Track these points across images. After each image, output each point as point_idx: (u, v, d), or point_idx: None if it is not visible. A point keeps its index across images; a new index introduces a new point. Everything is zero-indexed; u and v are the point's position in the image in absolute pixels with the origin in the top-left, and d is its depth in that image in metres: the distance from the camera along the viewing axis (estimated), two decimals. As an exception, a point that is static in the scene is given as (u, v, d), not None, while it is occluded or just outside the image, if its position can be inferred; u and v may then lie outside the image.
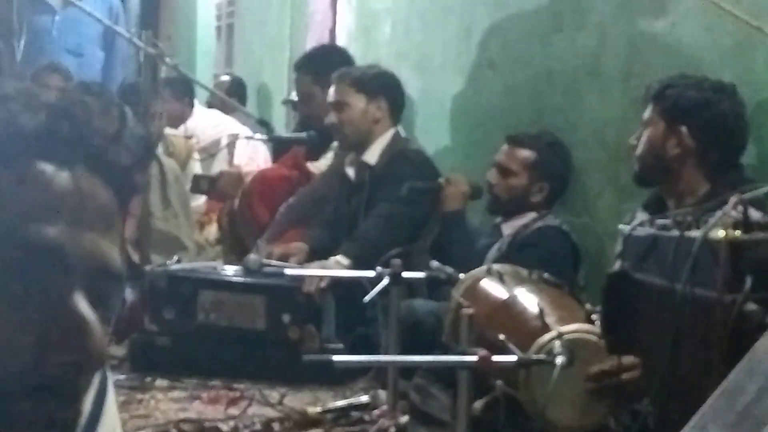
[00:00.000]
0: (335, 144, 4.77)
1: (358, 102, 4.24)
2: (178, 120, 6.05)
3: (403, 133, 4.37)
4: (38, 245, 0.84)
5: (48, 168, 0.86)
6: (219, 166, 5.82)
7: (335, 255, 3.95)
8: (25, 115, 0.86)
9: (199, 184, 5.12)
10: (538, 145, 3.81)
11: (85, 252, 0.87)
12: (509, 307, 2.75)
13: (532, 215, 3.74)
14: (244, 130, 6.00)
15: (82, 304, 0.86)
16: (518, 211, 3.79)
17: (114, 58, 7.07)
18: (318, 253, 4.13)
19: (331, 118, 4.28)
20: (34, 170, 0.85)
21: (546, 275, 2.86)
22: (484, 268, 3.07)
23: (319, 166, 4.87)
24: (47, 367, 0.84)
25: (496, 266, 3.05)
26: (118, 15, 6.54)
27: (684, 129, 2.92)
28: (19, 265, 0.84)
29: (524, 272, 2.96)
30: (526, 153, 3.81)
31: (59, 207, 0.86)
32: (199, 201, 5.47)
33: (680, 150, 2.93)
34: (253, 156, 5.53)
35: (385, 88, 4.29)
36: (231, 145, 5.82)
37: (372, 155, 4.20)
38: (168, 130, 5.70)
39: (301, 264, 4.04)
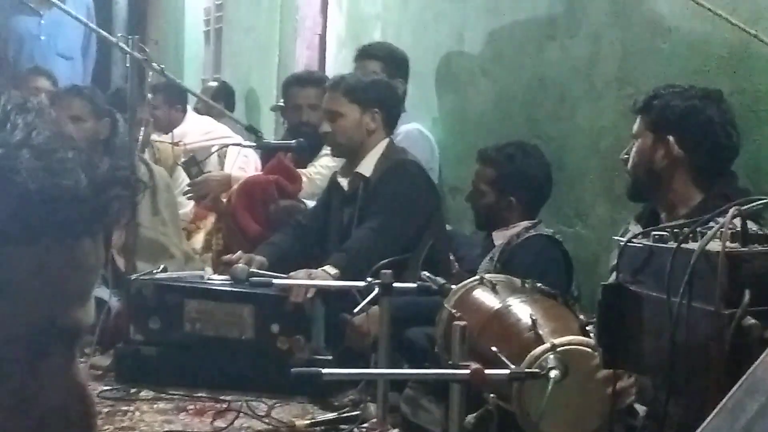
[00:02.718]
0: (324, 149, 4.74)
1: (351, 112, 4.16)
2: (169, 127, 6.01)
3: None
4: (68, 327, 0.79)
5: (88, 243, 0.80)
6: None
7: (320, 262, 3.91)
8: (68, 180, 0.77)
9: (190, 167, 5.07)
10: (498, 161, 3.75)
11: (88, 320, 0.81)
12: (502, 318, 2.70)
13: (524, 224, 3.70)
14: (236, 138, 5.96)
15: (82, 377, 0.82)
16: (500, 224, 3.75)
17: (88, 60, 7.04)
18: (282, 262, 4.08)
19: (325, 127, 4.21)
20: (81, 248, 0.79)
21: (540, 285, 2.82)
22: (476, 277, 3.03)
23: (308, 172, 4.83)
24: None
25: (488, 276, 3.01)
26: (93, 17, 6.51)
27: (671, 138, 2.89)
28: (37, 344, 0.78)
29: (517, 282, 2.92)
30: (488, 171, 3.77)
31: (92, 284, 0.81)
32: (187, 209, 5.42)
33: (669, 160, 2.90)
34: (243, 166, 5.48)
35: (380, 98, 4.22)
36: (221, 154, 5.78)
37: (366, 167, 4.14)
38: (154, 137, 5.65)
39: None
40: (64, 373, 0.80)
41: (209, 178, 5.10)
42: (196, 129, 6.22)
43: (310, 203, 4.59)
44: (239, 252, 4.14)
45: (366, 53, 4.94)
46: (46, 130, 0.78)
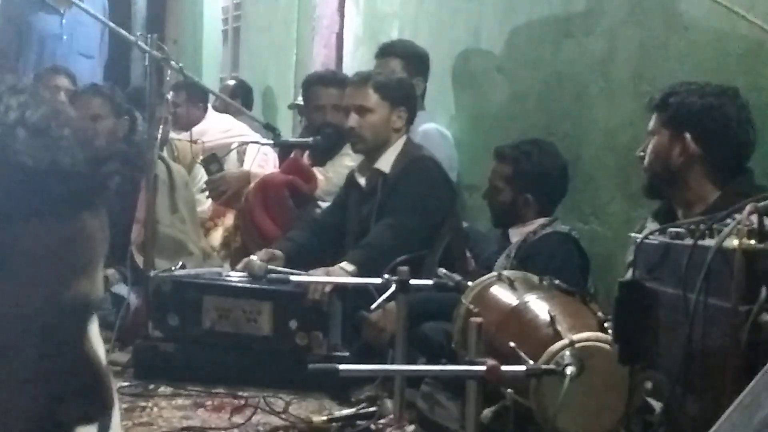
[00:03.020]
0: (344, 149, 4.74)
1: (381, 109, 4.18)
2: (189, 125, 6.03)
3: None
4: (75, 301, 0.80)
5: (88, 217, 0.80)
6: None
7: (337, 259, 3.92)
8: (66, 156, 0.78)
9: (210, 164, 5.10)
10: (515, 158, 3.76)
11: (97, 293, 0.83)
12: (520, 314, 2.71)
13: (540, 221, 3.71)
14: (254, 136, 5.98)
15: (95, 350, 0.83)
16: (517, 221, 3.76)
17: (101, 59, 7.06)
18: (298, 257, 4.10)
19: (351, 121, 4.21)
20: (81, 222, 0.80)
21: (557, 282, 2.83)
22: (494, 274, 3.04)
23: (325, 171, 4.84)
24: (60, 419, 0.81)
25: (506, 272, 3.02)
26: (107, 16, 6.53)
27: (688, 136, 2.88)
28: (44, 320, 0.79)
29: (535, 279, 2.93)
30: (505, 168, 3.78)
31: (96, 257, 0.82)
32: (205, 206, 5.44)
33: (686, 157, 2.89)
34: (262, 164, 5.50)
35: (406, 97, 4.25)
36: (241, 152, 5.80)
37: (386, 163, 4.16)
38: (173, 135, 5.67)
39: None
40: (76, 348, 0.81)
41: (227, 175, 5.13)
42: (216, 127, 6.24)
43: (325, 205, 4.61)
44: (271, 250, 4.16)
45: (387, 51, 4.93)
46: (40, 108, 0.79)
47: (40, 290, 0.78)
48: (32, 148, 0.76)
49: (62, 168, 0.77)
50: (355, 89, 4.26)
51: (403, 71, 4.68)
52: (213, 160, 5.10)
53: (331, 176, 4.79)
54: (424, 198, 4.04)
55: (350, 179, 4.36)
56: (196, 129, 5.99)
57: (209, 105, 6.54)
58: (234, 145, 5.76)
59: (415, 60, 4.86)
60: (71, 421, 0.82)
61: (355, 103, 4.22)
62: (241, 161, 5.78)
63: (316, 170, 4.83)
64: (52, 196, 0.77)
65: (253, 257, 4.03)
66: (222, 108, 6.65)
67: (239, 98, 6.84)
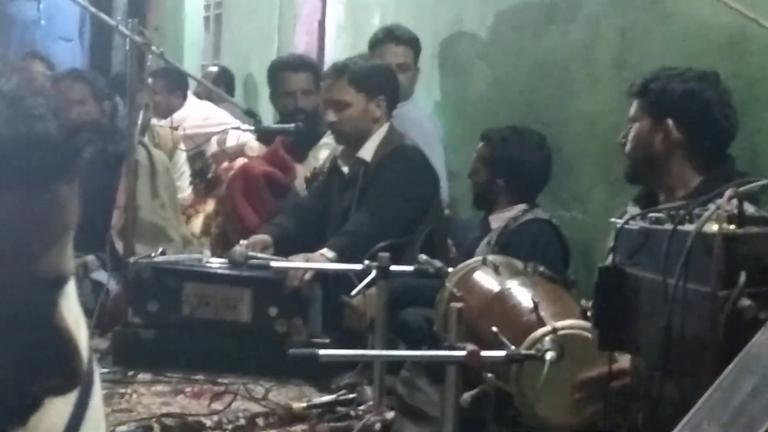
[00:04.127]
0: (324, 141, 4.72)
1: (358, 101, 4.14)
2: (168, 112, 6.01)
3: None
4: (46, 272, 0.79)
5: (61, 187, 0.80)
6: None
7: (318, 245, 3.91)
8: (40, 126, 0.78)
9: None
10: (493, 141, 3.77)
11: (68, 264, 0.83)
12: (503, 300, 2.70)
13: (520, 207, 3.70)
14: (236, 123, 5.96)
15: (66, 323, 0.82)
16: (494, 205, 3.76)
17: (84, 42, 7.02)
18: (285, 243, 4.09)
19: (330, 116, 4.17)
20: (54, 191, 0.80)
21: (542, 269, 2.82)
22: (479, 258, 3.03)
23: (307, 166, 4.80)
24: (29, 390, 0.81)
25: (491, 257, 3.01)
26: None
27: (670, 122, 2.88)
28: (16, 290, 0.79)
29: (520, 265, 2.92)
30: (484, 150, 3.80)
31: (68, 228, 0.81)
32: (185, 193, 5.42)
33: (668, 143, 2.89)
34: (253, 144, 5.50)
35: (384, 85, 4.20)
36: (221, 140, 5.78)
37: (367, 151, 4.14)
38: (154, 121, 5.65)
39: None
40: (47, 319, 0.81)
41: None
42: (196, 115, 6.22)
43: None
44: (262, 236, 4.15)
45: (391, 36, 4.83)
46: (14, 77, 0.79)
47: (11, 260, 0.77)
48: (6, 117, 0.75)
49: (37, 137, 0.76)
50: (330, 83, 4.19)
51: (409, 59, 4.68)
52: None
53: (311, 167, 4.77)
54: (405, 186, 4.03)
55: (333, 166, 4.34)
56: (175, 116, 5.97)
57: (189, 92, 6.51)
58: (215, 137, 5.75)
59: (417, 46, 4.83)
60: (41, 393, 0.82)
61: (332, 98, 4.17)
62: (221, 149, 5.76)
63: (297, 166, 4.79)
64: (26, 165, 0.76)
65: (242, 242, 4.01)
66: (204, 95, 6.63)
67: (222, 85, 6.82)
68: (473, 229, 3.99)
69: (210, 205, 5.17)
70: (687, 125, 2.88)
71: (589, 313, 2.48)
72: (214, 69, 7.50)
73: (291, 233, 4.22)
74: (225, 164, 5.22)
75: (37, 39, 6.73)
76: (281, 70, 5.09)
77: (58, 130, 0.78)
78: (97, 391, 1.05)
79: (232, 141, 5.64)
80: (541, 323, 2.44)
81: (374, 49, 4.78)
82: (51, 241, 0.80)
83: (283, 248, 4.04)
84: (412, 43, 4.80)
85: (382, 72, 4.25)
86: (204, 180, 5.45)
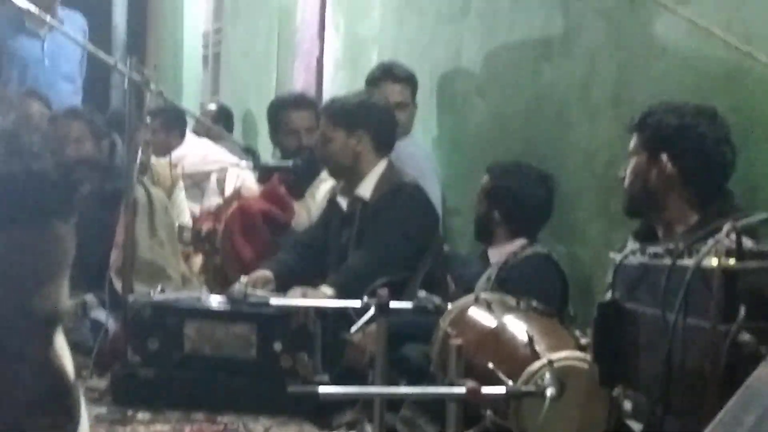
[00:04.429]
0: (322, 178, 4.73)
1: (338, 136, 4.19)
2: (166, 151, 6.01)
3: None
4: (42, 309, 0.80)
5: (58, 224, 0.81)
6: (209, 199, 5.78)
7: (316, 281, 3.91)
8: (39, 164, 0.79)
9: (182, 235, 5.11)
10: (494, 173, 3.79)
11: (63, 301, 0.83)
12: (498, 335, 2.70)
13: (519, 242, 3.70)
14: (233, 160, 5.97)
15: (61, 360, 0.83)
16: (492, 238, 3.76)
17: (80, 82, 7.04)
18: (285, 279, 4.09)
19: (317, 151, 4.30)
20: (51, 228, 0.80)
21: (535, 303, 2.82)
22: (471, 296, 3.03)
23: (304, 204, 4.79)
24: (25, 429, 0.81)
25: (483, 295, 3.01)
26: (87, 39, 6.51)
27: (664, 156, 2.88)
28: (12, 326, 0.79)
29: (512, 301, 2.92)
30: (487, 181, 3.80)
31: (64, 265, 0.82)
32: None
33: (663, 178, 2.89)
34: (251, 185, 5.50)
35: (365, 120, 4.20)
36: (221, 179, 5.80)
37: (365, 189, 4.14)
38: (153, 159, 5.65)
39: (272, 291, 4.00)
40: (42, 357, 0.81)
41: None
42: (194, 153, 6.23)
43: None
44: (264, 271, 4.17)
45: (388, 75, 4.83)
46: (11, 115, 0.80)
47: (7, 296, 0.77)
48: (3, 154, 0.75)
49: (33, 174, 0.77)
50: (321, 119, 4.33)
51: (407, 96, 4.70)
52: (182, 230, 5.12)
53: (311, 208, 4.76)
54: (405, 223, 4.03)
55: (332, 201, 4.35)
56: (174, 154, 5.98)
57: (188, 130, 6.52)
58: (214, 174, 5.75)
59: (414, 83, 4.84)
60: (37, 430, 0.81)
61: (319, 132, 4.31)
62: (221, 188, 5.77)
63: (295, 204, 4.79)
64: (23, 203, 0.77)
65: (243, 278, 4.01)
66: (203, 132, 6.64)
67: (221, 122, 6.84)
68: (472, 265, 3.98)
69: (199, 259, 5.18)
70: (681, 160, 2.88)
71: (584, 342, 2.48)
72: (213, 107, 7.52)
73: (292, 269, 4.22)
74: (209, 224, 5.22)
75: (40, 78, 6.74)
76: (283, 108, 5.09)
77: (55, 168, 0.79)
78: (85, 428, 1.05)
79: (231, 179, 5.64)
80: (536, 356, 2.44)
81: (371, 86, 4.79)
82: (47, 278, 0.80)
83: (288, 284, 4.04)
84: (409, 80, 4.81)
85: (363, 107, 4.25)
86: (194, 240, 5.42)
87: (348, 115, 4.20)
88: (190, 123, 6.63)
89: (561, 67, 4.08)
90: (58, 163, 0.79)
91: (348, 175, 4.21)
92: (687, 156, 2.87)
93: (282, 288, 4.02)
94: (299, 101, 5.15)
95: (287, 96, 5.51)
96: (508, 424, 2.44)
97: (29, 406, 0.80)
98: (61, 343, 0.87)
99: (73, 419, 0.84)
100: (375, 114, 4.25)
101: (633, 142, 2.99)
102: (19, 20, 6.62)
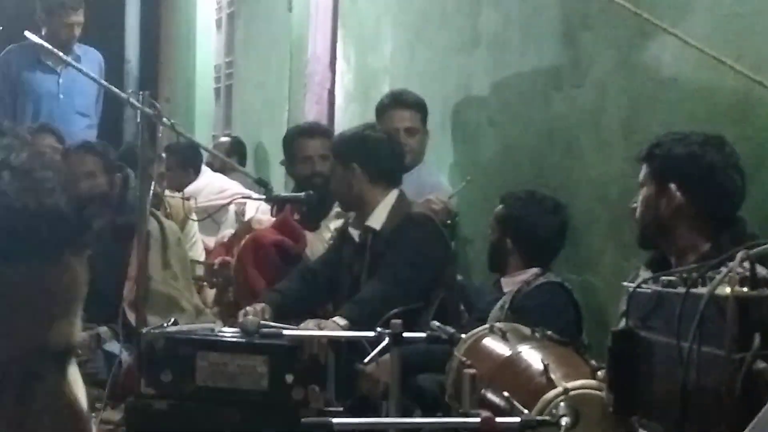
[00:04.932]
0: (336, 211, 4.74)
1: (337, 169, 4.28)
2: (181, 187, 6.03)
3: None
4: (56, 344, 0.80)
5: (71, 259, 0.81)
6: (228, 232, 5.80)
7: (323, 310, 3.92)
8: (49, 200, 0.80)
9: (195, 270, 5.14)
10: (508, 202, 3.80)
11: (76, 336, 0.83)
12: (513, 364, 2.70)
13: (533, 272, 3.70)
14: (249, 193, 6.00)
15: (75, 394, 0.83)
16: (505, 267, 3.77)
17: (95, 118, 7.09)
18: (288, 309, 4.09)
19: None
20: (64, 264, 0.80)
21: (549, 333, 2.82)
22: (486, 326, 3.03)
23: (320, 237, 4.80)
24: None
25: (498, 324, 3.01)
26: (103, 75, 6.55)
27: (673, 186, 2.89)
28: (26, 360, 0.79)
29: (527, 330, 2.92)
30: (501, 209, 3.81)
31: (77, 299, 0.82)
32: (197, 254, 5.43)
33: (673, 208, 2.89)
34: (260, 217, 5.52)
35: (354, 153, 4.19)
36: (240, 212, 5.82)
37: (376, 220, 4.14)
38: (166, 192, 5.68)
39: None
40: (56, 393, 0.81)
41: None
42: (210, 188, 6.25)
43: None
44: (260, 304, 4.16)
45: (399, 102, 4.85)
46: (24, 151, 0.80)
47: (21, 333, 0.77)
48: (17, 190, 0.76)
49: (47, 210, 0.78)
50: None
51: (416, 122, 4.72)
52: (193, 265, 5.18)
53: (326, 238, 4.76)
54: (417, 253, 4.03)
55: (344, 232, 4.35)
56: (189, 189, 6.00)
57: (203, 165, 6.55)
58: (232, 207, 5.77)
59: (424, 109, 4.86)
60: None
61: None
62: (240, 221, 5.79)
63: (308, 235, 4.80)
64: (37, 238, 0.77)
65: (246, 309, 4.02)
66: (217, 165, 6.67)
67: (235, 155, 6.87)
68: (486, 294, 3.98)
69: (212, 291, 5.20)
70: (689, 188, 2.88)
71: (600, 373, 2.48)
72: (226, 139, 7.54)
73: (292, 298, 4.21)
74: (221, 256, 5.24)
75: (54, 112, 6.78)
76: (297, 137, 5.10)
77: (67, 204, 0.80)
78: None
79: (250, 213, 5.67)
80: (552, 385, 2.43)
81: (381, 115, 4.81)
82: (61, 313, 0.80)
83: (287, 314, 4.04)
84: (418, 106, 4.82)
85: (353, 140, 4.26)
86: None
87: (339, 147, 4.31)
88: (204, 156, 6.66)
89: (571, 97, 4.09)
90: (70, 197, 0.80)
91: (355, 207, 4.23)
92: (695, 185, 2.87)
93: (285, 318, 4.01)
94: (313, 129, 5.19)
95: (301, 125, 5.55)
96: (523, 454, 2.43)
97: None
98: (74, 375, 0.87)
99: None
100: (368, 146, 4.22)
101: (642, 174, 2.99)
102: (35, 55, 6.68)
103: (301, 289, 4.27)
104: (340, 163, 4.23)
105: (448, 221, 4.19)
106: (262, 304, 4.12)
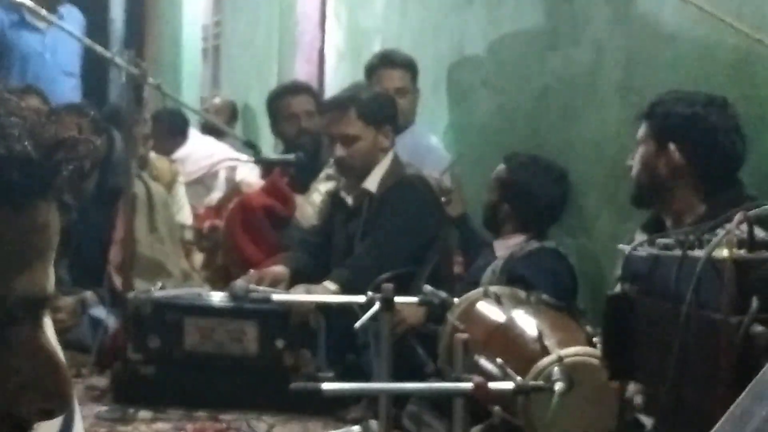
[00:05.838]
0: (326, 173, 4.67)
1: (368, 134, 4.04)
2: (170, 151, 5.98)
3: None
4: (30, 292, 0.80)
5: (42, 206, 0.81)
6: (216, 195, 5.76)
7: (324, 279, 3.85)
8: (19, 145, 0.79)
9: (184, 234, 5.09)
10: (510, 165, 3.74)
11: (50, 285, 0.83)
12: (507, 330, 2.66)
13: (523, 237, 3.65)
14: (238, 156, 5.95)
15: (51, 344, 0.82)
16: (499, 230, 3.72)
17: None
18: (299, 276, 4.03)
19: (339, 152, 4.06)
20: (35, 210, 0.80)
21: (545, 297, 2.78)
22: (480, 290, 2.99)
23: (310, 199, 4.74)
24: (19, 414, 0.80)
25: (493, 288, 2.97)
26: (85, 34, 6.47)
27: (672, 146, 2.84)
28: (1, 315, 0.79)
29: (522, 294, 2.89)
30: (502, 171, 3.75)
31: (49, 246, 0.82)
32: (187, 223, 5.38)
33: (671, 168, 2.85)
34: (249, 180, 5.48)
35: (390, 114, 4.12)
36: (230, 177, 5.78)
37: (372, 182, 4.06)
38: (152, 154, 5.61)
39: (285, 288, 3.95)
40: (33, 342, 0.81)
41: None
42: (199, 153, 6.20)
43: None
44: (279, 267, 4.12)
45: (390, 61, 4.76)
46: None
47: None
48: None
49: (15, 156, 0.77)
50: (337, 116, 4.07)
51: (407, 82, 4.64)
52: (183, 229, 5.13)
53: (316, 201, 4.70)
54: (411, 217, 3.97)
55: (335, 198, 4.28)
56: (177, 154, 5.95)
57: (193, 128, 6.50)
58: (222, 173, 5.74)
59: (414, 69, 4.77)
60: (30, 416, 0.81)
61: (340, 132, 4.05)
62: (230, 185, 5.75)
63: (297, 197, 4.74)
64: (7, 185, 0.77)
65: (252, 272, 3.98)
66: (208, 128, 6.63)
67: (227, 116, 6.82)
68: (480, 256, 3.92)
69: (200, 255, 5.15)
70: (690, 150, 2.84)
71: (595, 340, 2.44)
72: (218, 101, 7.48)
73: (306, 267, 4.15)
74: (210, 220, 5.19)
75: (41, 73, 6.70)
76: (281, 96, 5.08)
77: (36, 149, 0.79)
78: (79, 423, 1.07)
79: (241, 174, 5.63)
80: (546, 352, 2.41)
81: (370, 75, 4.73)
82: (33, 258, 0.80)
83: (300, 280, 4.00)
84: (408, 66, 4.74)
85: (386, 102, 4.17)
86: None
87: (377, 110, 4.07)
88: (194, 119, 6.60)
89: (567, 56, 4.03)
90: (37, 144, 0.80)
91: (365, 172, 4.10)
92: (696, 146, 2.83)
93: (291, 286, 3.97)
94: (295, 87, 5.18)
95: (283, 84, 5.55)
96: (516, 421, 2.40)
97: (20, 389, 0.80)
98: (50, 330, 0.87)
99: (67, 402, 0.83)
100: (394, 106, 4.18)
101: (641, 131, 2.94)
102: (20, 14, 6.59)
103: (312, 262, 4.20)
104: (374, 127, 4.04)
105: (443, 199, 4.07)
106: (280, 268, 4.07)
